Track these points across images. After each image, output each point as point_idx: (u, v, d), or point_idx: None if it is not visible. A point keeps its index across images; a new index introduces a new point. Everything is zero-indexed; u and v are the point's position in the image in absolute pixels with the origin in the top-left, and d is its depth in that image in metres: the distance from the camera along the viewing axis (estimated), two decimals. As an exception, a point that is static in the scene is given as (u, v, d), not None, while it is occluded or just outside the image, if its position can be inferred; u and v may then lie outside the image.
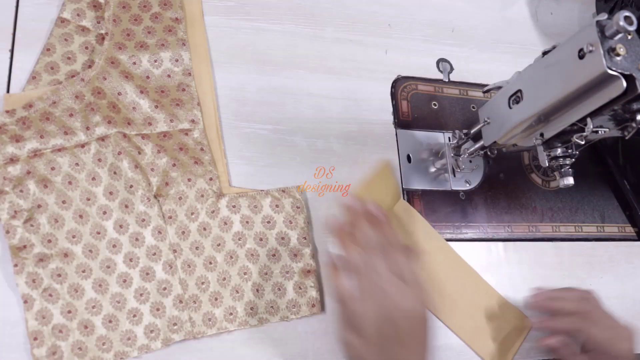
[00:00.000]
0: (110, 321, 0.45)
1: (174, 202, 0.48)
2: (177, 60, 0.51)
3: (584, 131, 0.41)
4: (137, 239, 0.47)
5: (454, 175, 0.58)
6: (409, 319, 0.40)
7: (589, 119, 0.40)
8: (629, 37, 0.36)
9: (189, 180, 0.48)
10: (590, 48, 0.36)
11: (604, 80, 0.36)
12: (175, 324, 0.46)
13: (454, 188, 0.58)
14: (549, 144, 0.45)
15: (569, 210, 0.61)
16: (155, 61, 0.51)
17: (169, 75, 0.51)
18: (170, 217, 0.48)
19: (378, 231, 0.43)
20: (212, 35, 0.55)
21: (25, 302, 0.43)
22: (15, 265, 0.43)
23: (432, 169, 0.58)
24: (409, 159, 0.57)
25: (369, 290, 0.41)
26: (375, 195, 0.48)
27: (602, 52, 0.35)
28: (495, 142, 0.49)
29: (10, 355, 0.42)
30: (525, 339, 0.54)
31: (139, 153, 0.48)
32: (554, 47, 0.41)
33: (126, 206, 0.47)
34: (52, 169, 0.45)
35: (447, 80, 0.62)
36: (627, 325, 0.51)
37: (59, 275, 0.44)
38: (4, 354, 0.42)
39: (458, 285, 0.53)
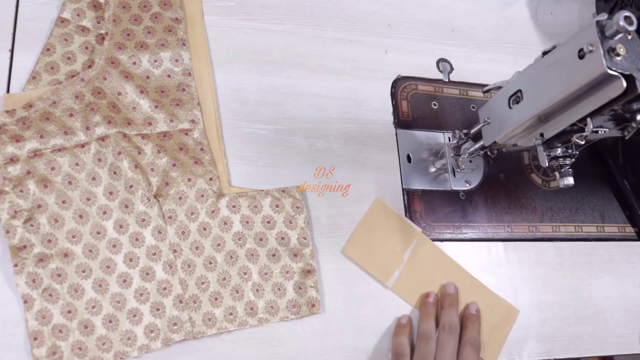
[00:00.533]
0: (110, 321, 0.45)
1: (174, 202, 0.48)
2: (177, 60, 0.51)
3: (584, 131, 0.41)
4: (137, 239, 0.47)
5: (454, 175, 0.58)
6: None
7: (589, 119, 0.40)
8: (629, 37, 0.36)
9: (189, 180, 0.49)
10: (590, 48, 0.36)
11: (604, 80, 0.36)
12: (175, 324, 0.46)
13: (454, 188, 0.58)
14: (549, 144, 0.45)
15: (569, 210, 0.61)
16: (155, 61, 0.51)
17: (169, 75, 0.51)
18: (170, 217, 0.48)
19: (468, 324, 0.51)
20: (212, 35, 0.55)
21: (25, 302, 0.43)
22: (15, 265, 0.43)
23: (432, 169, 0.58)
24: (409, 159, 0.57)
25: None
26: (377, 230, 0.53)
27: (602, 52, 0.35)
28: (495, 142, 0.49)
29: (10, 355, 0.42)
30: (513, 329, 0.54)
31: (139, 153, 0.48)
32: (554, 47, 0.41)
33: (126, 206, 0.47)
34: (52, 169, 0.45)
35: (447, 80, 0.62)
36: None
37: (59, 275, 0.44)
38: (4, 354, 0.42)
39: (443, 279, 0.53)
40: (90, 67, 0.49)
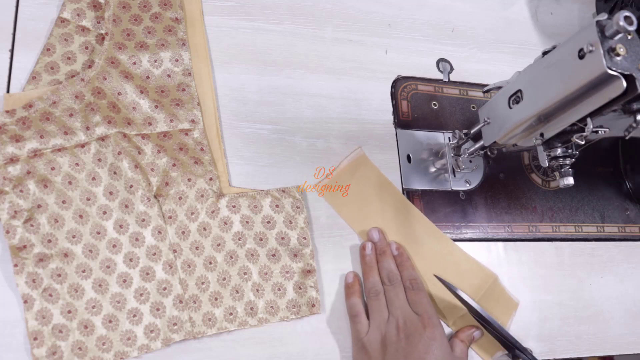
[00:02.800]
0: (110, 321, 0.45)
1: (174, 202, 0.48)
2: (177, 60, 0.51)
3: (584, 131, 0.41)
4: (137, 239, 0.47)
5: (454, 175, 0.58)
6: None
7: (589, 119, 0.40)
8: (629, 37, 0.36)
9: (189, 180, 0.49)
10: (590, 48, 0.36)
11: (604, 80, 0.36)
12: (175, 324, 0.46)
13: (454, 188, 0.58)
14: (549, 144, 0.45)
15: (569, 210, 0.61)
16: (155, 61, 0.51)
17: (169, 75, 0.51)
18: (170, 217, 0.48)
19: (400, 268, 0.51)
20: (212, 35, 0.55)
21: (25, 302, 0.43)
22: (15, 265, 0.43)
23: (432, 169, 0.58)
24: (409, 159, 0.57)
25: (382, 317, 0.48)
26: (356, 181, 0.54)
27: (602, 52, 0.35)
28: (495, 142, 0.49)
29: (10, 355, 0.42)
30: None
31: (139, 153, 0.48)
32: (554, 47, 0.41)
33: (126, 206, 0.47)
34: (52, 169, 0.45)
35: (447, 80, 0.62)
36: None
37: (59, 275, 0.44)
38: (4, 354, 0.42)
39: (418, 238, 0.54)
40: (90, 67, 0.49)
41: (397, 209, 0.54)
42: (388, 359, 0.45)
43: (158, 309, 0.46)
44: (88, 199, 0.46)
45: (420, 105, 0.60)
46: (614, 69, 0.35)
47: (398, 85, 0.60)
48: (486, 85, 0.51)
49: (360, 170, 0.54)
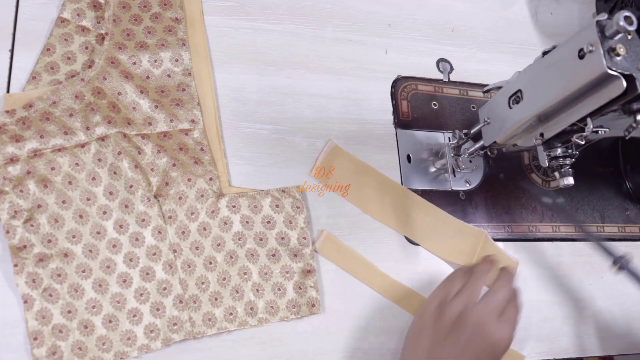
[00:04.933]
0: (110, 321, 0.45)
1: (174, 202, 0.48)
2: (177, 60, 0.51)
3: (584, 131, 0.41)
4: (137, 239, 0.47)
5: (454, 175, 0.58)
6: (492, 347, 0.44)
7: (589, 119, 0.40)
8: (629, 37, 0.36)
9: (189, 180, 0.49)
10: (590, 48, 0.36)
11: (604, 80, 0.36)
12: (175, 324, 0.46)
13: (454, 188, 0.58)
14: (549, 144, 0.45)
15: (569, 210, 0.61)
16: (155, 61, 0.51)
17: (169, 75, 0.51)
18: (170, 217, 0.48)
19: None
20: (212, 35, 0.55)
21: (25, 302, 0.43)
22: (15, 265, 0.43)
23: (432, 169, 0.58)
24: (409, 159, 0.57)
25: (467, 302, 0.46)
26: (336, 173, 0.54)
27: (602, 52, 0.35)
28: (495, 142, 0.49)
29: (10, 355, 0.42)
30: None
31: (139, 153, 0.48)
32: (554, 47, 0.41)
33: (126, 206, 0.47)
34: (52, 169, 0.45)
35: (447, 80, 0.62)
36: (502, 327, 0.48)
37: (59, 275, 0.44)
38: (4, 354, 0.42)
39: (399, 209, 0.55)
40: (90, 67, 0.49)
41: (382, 190, 0.55)
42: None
43: (158, 309, 0.46)
44: (88, 199, 0.46)
45: (420, 105, 0.60)
46: (614, 69, 0.35)
47: (398, 85, 0.60)
48: (486, 85, 0.51)
49: (336, 161, 0.54)
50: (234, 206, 0.49)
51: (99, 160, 0.47)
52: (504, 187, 0.60)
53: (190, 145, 0.50)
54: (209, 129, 0.51)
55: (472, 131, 0.52)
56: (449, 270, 0.55)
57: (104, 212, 0.46)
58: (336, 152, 0.54)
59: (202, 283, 0.47)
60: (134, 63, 0.50)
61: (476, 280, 0.48)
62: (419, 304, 0.52)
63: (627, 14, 0.34)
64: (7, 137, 0.44)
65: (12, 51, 0.49)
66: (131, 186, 0.47)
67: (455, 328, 0.44)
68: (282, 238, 0.50)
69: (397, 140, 0.58)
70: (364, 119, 0.57)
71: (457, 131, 0.55)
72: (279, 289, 0.49)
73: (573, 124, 0.42)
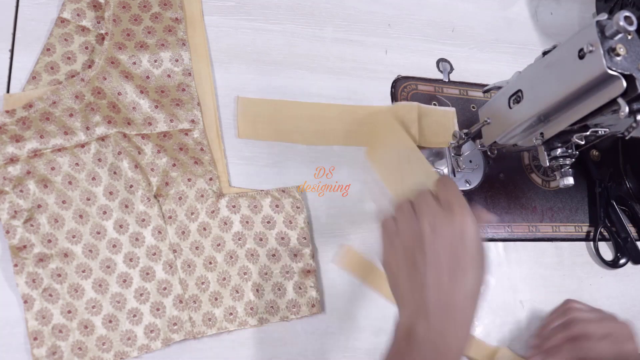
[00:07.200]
0: (110, 321, 0.45)
1: (174, 202, 0.48)
2: (177, 60, 0.51)
3: (584, 131, 0.41)
4: (137, 239, 0.47)
5: (454, 175, 0.58)
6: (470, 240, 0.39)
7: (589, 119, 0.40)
8: (629, 37, 0.36)
9: (189, 180, 0.49)
10: (590, 48, 0.36)
11: (604, 80, 0.36)
12: (175, 324, 0.46)
13: (454, 188, 0.58)
14: (549, 144, 0.45)
15: (569, 210, 0.61)
16: (155, 61, 0.51)
17: (169, 75, 0.51)
18: (170, 217, 0.48)
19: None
20: (212, 35, 0.55)
21: (25, 302, 0.43)
22: (15, 265, 0.43)
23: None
24: (409, 159, 0.57)
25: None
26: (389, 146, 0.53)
27: (602, 52, 0.35)
28: (495, 142, 0.49)
29: (10, 355, 0.42)
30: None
31: (139, 153, 0.48)
32: (554, 47, 0.41)
33: (126, 206, 0.47)
34: (52, 169, 0.45)
35: (447, 80, 0.62)
36: (623, 321, 0.50)
37: (59, 275, 0.44)
38: (4, 354, 0.42)
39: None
40: (90, 67, 0.49)
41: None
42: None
43: (158, 309, 0.46)
44: (88, 199, 0.46)
45: (420, 105, 0.60)
46: (614, 69, 0.35)
47: (398, 85, 0.60)
48: (486, 85, 0.51)
49: (252, 111, 0.53)
50: (234, 206, 0.49)
51: (99, 160, 0.47)
52: (504, 187, 0.60)
53: (190, 145, 0.50)
54: (209, 129, 0.51)
55: (472, 131, 0.52)
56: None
57: (104, 212, 0.46)
58: (247, 103, 0.53)
59: (202, 283, 0.47)
60: (134, 63, 0.50)
61: (418, 197, 0.42)
62: None
63: (627, 14, 0.34)
64: (7, 137, 0.44)
65: (12, 51, 0.49)
66: (131, 186, 0.47)
67: (418, 241, 0.39)
68: (282, 238, 0.50)
69: (397, 140, 0.58)
70: (364, 119, 0.57)
71: (457, 131, 0.55)
72: (279, 289, 0.49)
73: (573, 124, 0.42)
